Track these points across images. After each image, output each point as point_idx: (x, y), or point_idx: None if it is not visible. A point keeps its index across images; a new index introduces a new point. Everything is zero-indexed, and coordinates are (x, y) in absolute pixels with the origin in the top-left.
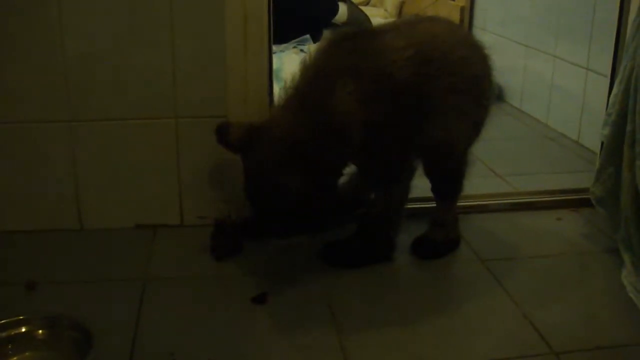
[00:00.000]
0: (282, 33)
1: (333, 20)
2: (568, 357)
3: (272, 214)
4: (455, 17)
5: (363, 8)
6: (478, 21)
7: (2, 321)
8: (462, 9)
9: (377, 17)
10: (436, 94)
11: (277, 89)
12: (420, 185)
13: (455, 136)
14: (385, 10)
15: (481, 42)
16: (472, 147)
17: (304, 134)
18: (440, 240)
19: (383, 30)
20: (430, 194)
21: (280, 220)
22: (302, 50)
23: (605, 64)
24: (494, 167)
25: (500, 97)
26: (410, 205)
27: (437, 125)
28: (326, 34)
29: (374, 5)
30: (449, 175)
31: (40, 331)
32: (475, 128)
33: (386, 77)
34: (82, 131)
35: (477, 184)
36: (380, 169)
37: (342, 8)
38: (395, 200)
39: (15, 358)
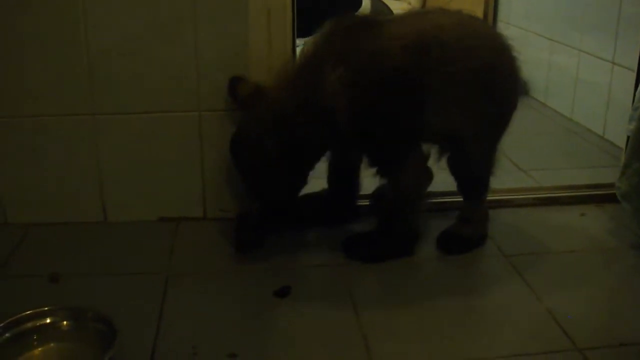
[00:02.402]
0: (306, 26)
1: (356, 13)
2: (592, 353)
3: (247, 174)
4: (479, 10)
5: (386, 1)
6: (502, 15)
7: (28, 312)
8: (486, 2)
9: (400, 10)
10: (434, 83)
11: None
12: (449, 180)
13: (459, 128)
14: (409, 3)
15: (501, 34)
16: (494, 145)
17: (291, 108)
18: (466, 236)
19: (388, 19)
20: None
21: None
22: None
23: (631, 58)
24: (518, 162)
25: (525, 91)
26: (438, 200)
27: (437, 115)
28: (330, 20)
29: None
30: (469, 174)
31: (65, 322)
32: (488, 122)
33: (379, 64)
34: (106, 124)
35: (501, 178)
36: (379, 156)
37: (365, 1)
38: (405, 189)
39: (40, 349)
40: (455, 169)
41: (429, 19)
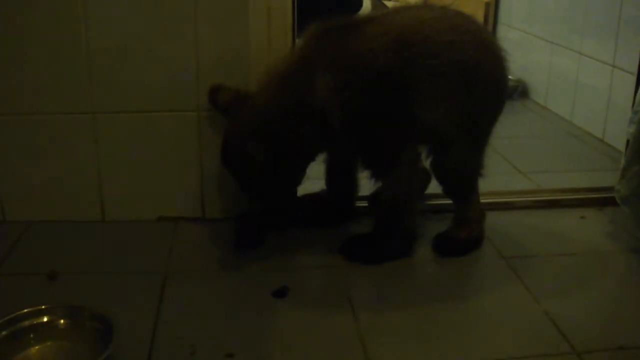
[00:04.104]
0: (306, 27)
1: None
2: (590, 356)
3: (240, 180)
4: (480, 13)
5: (387, 3)
6: (503, 17)
7: (25, 310)
8: (487, 5)
9: None
10: (419, 77)
11: None
12: None
13: (444, 125)
14: None
15: (488, 31)
16: (480, 147)
17: (278, 112)
18: (462, 238)
19: (368, 19)
20: None
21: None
22: None
23: (631, 61)
24: (517, 165)
25: (524, 94)
26: (436, 202)
27: (424, 109)
28: (312, 25)
29: (398, 1)
30: (453, 174)
31: (62, 321)
32: (472, 121)
33: (365, 64)
34: (105, 123)
35: (501, 181)
36: (373, 158)
37: (366, 3)
38: (400, 190)
39: (37, 347)
40: (439, 170)
41: (410, 14)
